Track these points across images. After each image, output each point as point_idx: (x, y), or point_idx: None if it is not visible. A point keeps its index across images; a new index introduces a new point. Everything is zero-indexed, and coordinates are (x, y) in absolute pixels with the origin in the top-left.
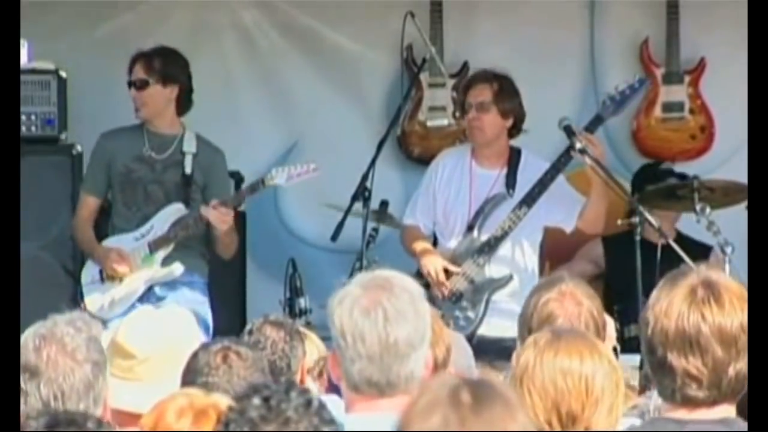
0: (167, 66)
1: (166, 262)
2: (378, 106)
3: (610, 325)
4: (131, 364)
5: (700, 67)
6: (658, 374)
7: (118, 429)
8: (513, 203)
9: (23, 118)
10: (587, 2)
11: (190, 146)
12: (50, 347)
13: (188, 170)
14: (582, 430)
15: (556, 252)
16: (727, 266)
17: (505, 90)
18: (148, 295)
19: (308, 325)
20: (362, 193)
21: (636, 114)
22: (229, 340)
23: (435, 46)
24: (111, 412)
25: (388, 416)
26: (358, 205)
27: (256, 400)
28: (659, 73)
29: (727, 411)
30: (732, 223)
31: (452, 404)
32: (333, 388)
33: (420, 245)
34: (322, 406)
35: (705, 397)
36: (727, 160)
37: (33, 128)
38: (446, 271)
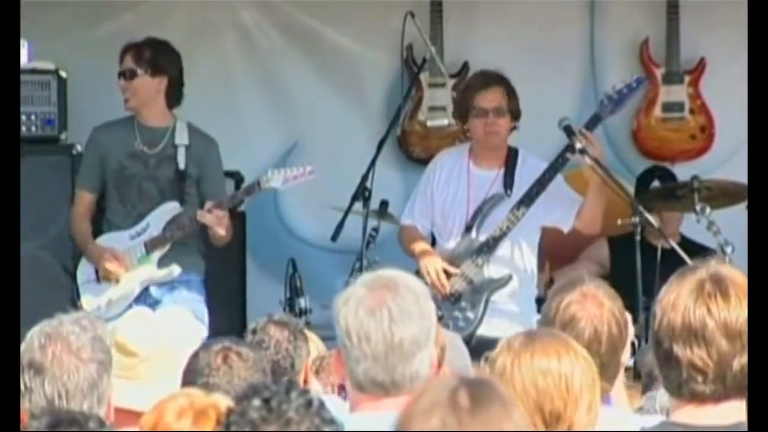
0: (157, 56)
1: (163, 262)
2: (378, 106)
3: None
4: (133, 363)
5: (700, 67)
6: (664, 368)
7: (118, 428)
8: (511, 203)
9: (23, 118)
10: (587, 2)
11: (182, 138)
12: (55, 345)
13: (182, 165)
14: (566, 429)
15: (555, 252)
16: (724, 262)
17: (512, 91)
18: (144, 296)
19: (308, 325)
20: (362, 193)
21: (636, 114)
22: (229, 341)
23: (435, 46)
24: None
25: (392, 416)
26: (358, 205)
27: (257, 402)
28: (659, 73)
29: (738, 411)
30: (732, 223)
31: (450, 406)
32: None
33: (419, 246)
34: (322, 406)
35: (711, 392)
36: (727, 160)
37: (33, 128)
38: (446, 272)
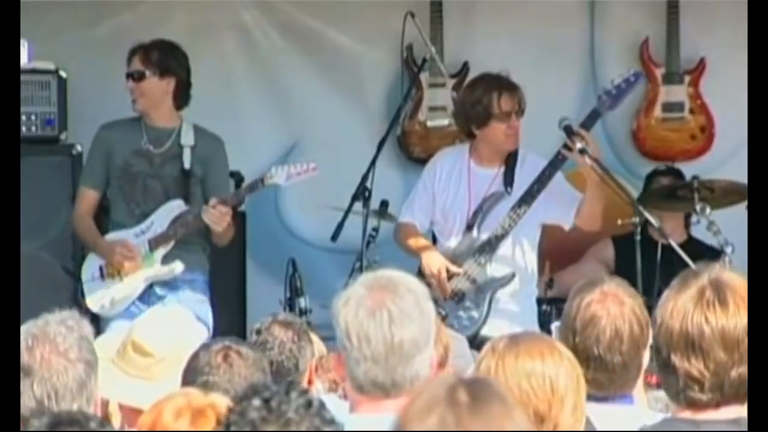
0: (165, 58)
1: (166, 260)
2: (378, 106)
3: None
4: (148, 363)
5: (700, 67)
6: (663, 374)
7: (126, 428)
8: (511, 201)
9: (23, 118)
10: (587, 2)
11: (188, 139)
12: (43, 347)
13: (187, 165)
14: (551, 429)
15: (558, 252)
16: (727, 267)
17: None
18: (148, 294)
19: (309, 325)
20: (362, 193)
21: (636, 114)
22: (230, 340)
23: (435, 46)
24: (126, 410)
25: (392, 417)
26: (359, 205)
27: (257, 402)
28: (659, 73)
29: (738, 412)
30: (732, 223)
31: (449, 404)
32: None
33: (419, 241)
34: (322, 406)
35: (708, 400)
36: (727, 160)
37: (33, 128)
38: (448, 271)
